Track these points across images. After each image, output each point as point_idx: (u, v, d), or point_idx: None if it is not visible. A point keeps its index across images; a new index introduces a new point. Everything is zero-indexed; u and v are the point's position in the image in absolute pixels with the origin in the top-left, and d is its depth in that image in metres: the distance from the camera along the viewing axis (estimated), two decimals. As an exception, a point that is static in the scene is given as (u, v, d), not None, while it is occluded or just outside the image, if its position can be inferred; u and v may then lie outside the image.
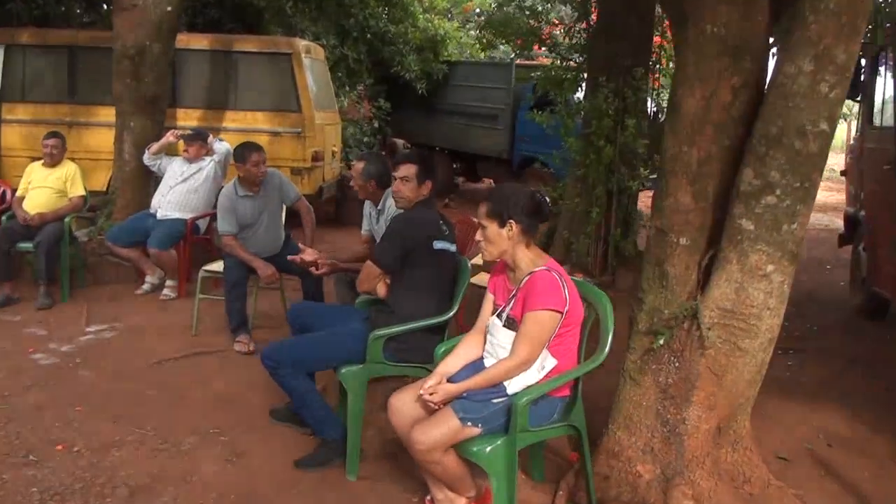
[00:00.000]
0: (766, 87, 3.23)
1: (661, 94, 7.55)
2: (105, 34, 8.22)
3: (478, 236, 3.15)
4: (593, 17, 7.11)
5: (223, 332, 5.62)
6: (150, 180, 7.28)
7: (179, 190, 6.67)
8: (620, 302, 3.69)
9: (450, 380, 3.11)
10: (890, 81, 6.06)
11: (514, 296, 3.07)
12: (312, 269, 4.58)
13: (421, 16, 14.61)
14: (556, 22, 8.32)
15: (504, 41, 9.00)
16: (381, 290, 3.85)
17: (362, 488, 3.60)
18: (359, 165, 4.63)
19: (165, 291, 6.59)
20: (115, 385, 4.72)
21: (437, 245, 3.75)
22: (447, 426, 2.94)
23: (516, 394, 2.98)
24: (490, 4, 13.77)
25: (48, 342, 5.41)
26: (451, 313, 3.75)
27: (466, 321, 4.54)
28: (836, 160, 14.22)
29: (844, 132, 14.46)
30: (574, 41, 7.51)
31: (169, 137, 7.02)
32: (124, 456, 3.83)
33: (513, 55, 12.66)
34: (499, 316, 3.12)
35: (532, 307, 2.96)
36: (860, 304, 6.67)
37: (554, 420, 3.14)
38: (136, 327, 5.82)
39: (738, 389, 3.32)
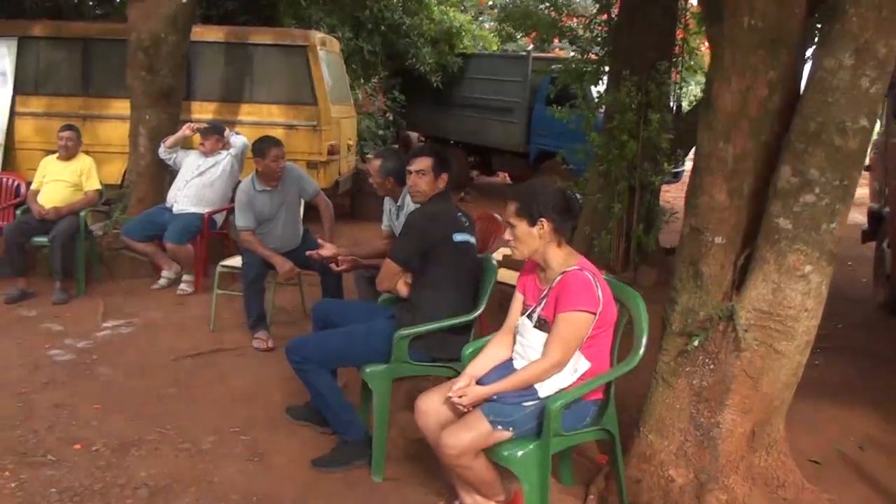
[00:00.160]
0: (801, 82, 3.14)
1: (684, 88, 7.45)
2: (119, 26, 8.18)
3: (506, 235, 3.06)
4: (615, 9, 7.00)
5: (241, 329, 5.57)
6: (166, 174, 7.22)
7: (196, 184, 6.61)
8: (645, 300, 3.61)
9: (479, 382, 3.04)
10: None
11: (545, 296, 2.99)
12: (333, 265, 4.52)
13: (436, 8, 14.48)
14: (573, 16, 8.20)
15: (524, 34, 8.87)
16: (403, 288, 3.77)
17: (387, 490, 3.53)
18: (376, 163, 4.56)
19: (182, 286, 6.54)
20: (133, 382, 4.67)
21: (458, 237, 3.67)
22: (477, 430, 2.87)
23: (549, 397, 2.91)
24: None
25: (64, 338, 5.36)
26: (478, 312, 3.67)
27: (488, 319, 4.46)
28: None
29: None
30: (595, 34, 7.40)
31: (185, 131, 6.96)
32: (144, 455, 3.78)
33: (529, 47, 12.53)
34: (529, 317, 3.04)
35: (564, 308, 2.88)
36: (884, 301, 6.59)
37: (587, 424, 3.06)
38: (153, 323, 5.77)
39: (774, 392, 3.24)
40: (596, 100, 7.11)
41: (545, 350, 2.93)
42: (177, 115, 7.46)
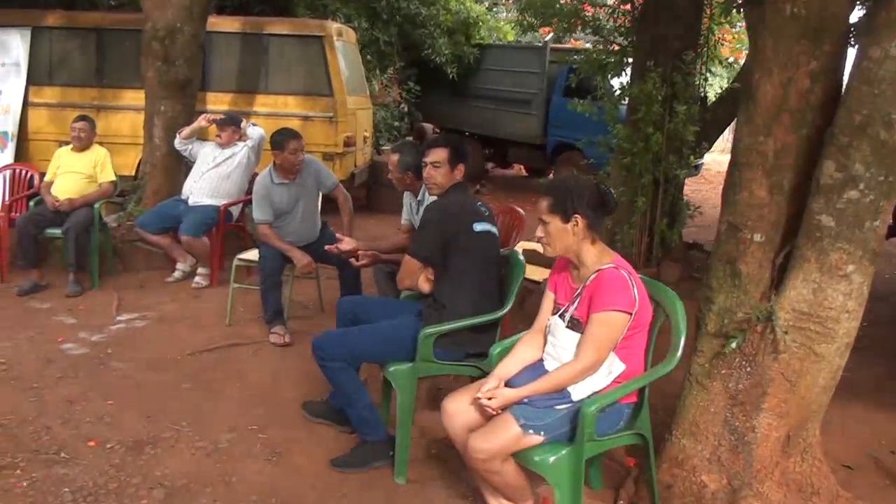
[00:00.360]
0: (843, 73, 3.01)
1: (709, 79, 7.29)
2: (133, 16, 8.10)
3: (539, 232, 2.94)
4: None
5: (257, 323, 5.48)
6: (181, 165, 7.15)
7: (211, 176, 6.52)
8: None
9: (508, 383, 2.93)
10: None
11: (578, 295, 2.88)
12: (352, 259, 4.42)
13: (452, -2, 14.34)
14: (595, 6, 8.04)
15: (544, 23, 8.72)
16: (425, 285, 3.66)
17: (410, 492, 3.43)
18: (394, 157, 4.45)
19: (197, 279, 6.45)
20: (148, 377, 4.58)
21: (478, 227, 3.56)
22: (507, 434, 2.76)
23: (582, 400, 2.80)
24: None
25: (78, 331, 5.28)
26: (506, 310, 3.56)
27: (509, 317, 4.35)
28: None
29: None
30: (618, 23, 7.24)
31: (201, 122, 6.87)
32: (159, 454, 3.69)
33: (547, 38, 12.37)
34: (561, 316, 2.93)
35: (599, 308, 2.76)
36: (910, 299, 6.45)
37: (620, 428, 2.95)
38: (168, 316, 5.68)
39: (812, 396, 3.12)
40: (618, 91, 6.95)
41: (578, 351, 2.82)
42: (192, 106, 7.38)
